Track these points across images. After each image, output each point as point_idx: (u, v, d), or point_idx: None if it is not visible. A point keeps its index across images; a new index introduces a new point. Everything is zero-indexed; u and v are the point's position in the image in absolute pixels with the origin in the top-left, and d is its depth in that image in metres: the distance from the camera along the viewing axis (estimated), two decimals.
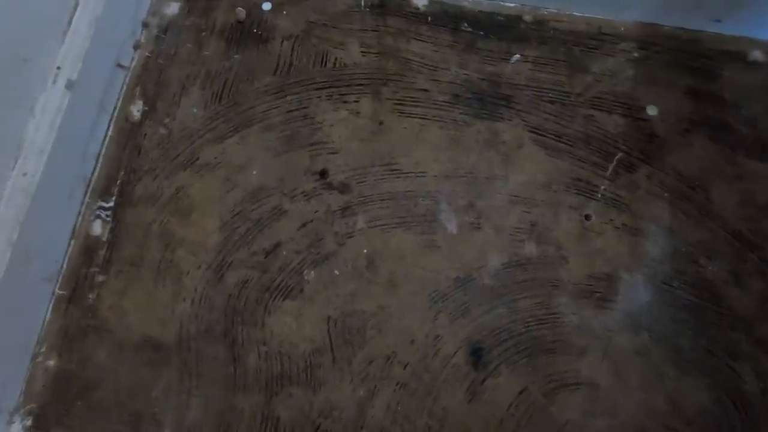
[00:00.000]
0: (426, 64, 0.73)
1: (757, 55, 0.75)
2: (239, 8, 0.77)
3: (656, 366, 0.61)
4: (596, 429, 0.59)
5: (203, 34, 0.75)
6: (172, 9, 0.76)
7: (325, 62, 0.73)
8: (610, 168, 0.70)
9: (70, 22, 0.65)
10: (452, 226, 0.67)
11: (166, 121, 0.72)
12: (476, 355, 0.62)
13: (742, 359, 0.61)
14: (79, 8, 0.66)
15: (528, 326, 0.62)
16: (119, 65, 0.72)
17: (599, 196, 0.68)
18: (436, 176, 0.68)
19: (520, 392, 0.60)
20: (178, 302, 0.63)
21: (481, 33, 0.75)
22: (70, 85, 0.64)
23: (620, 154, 0.70)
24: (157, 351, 0.62)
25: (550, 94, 0.71)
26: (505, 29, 0.74)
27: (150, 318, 0.63)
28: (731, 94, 0.73)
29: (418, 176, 0.68)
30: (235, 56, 0.74)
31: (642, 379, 0.60)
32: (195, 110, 0.72)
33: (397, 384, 0.60)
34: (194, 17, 0.77)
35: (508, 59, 0.74)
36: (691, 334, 0.62)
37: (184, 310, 0.63)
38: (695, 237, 0.66)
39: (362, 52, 0.74)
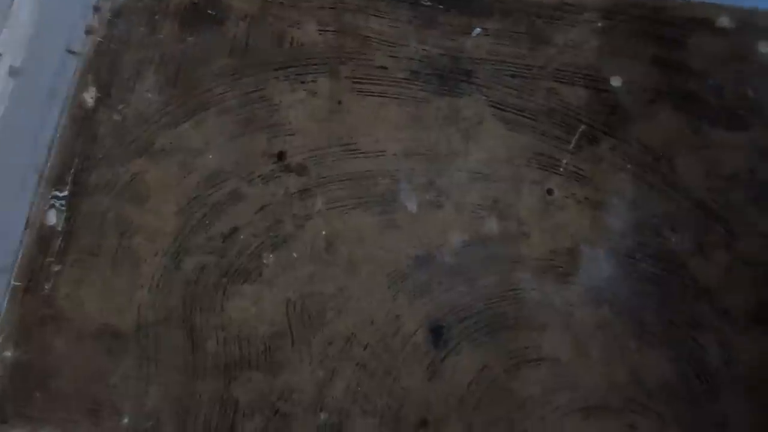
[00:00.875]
0: (385, 41, 0.70)
1: (724, 21, 0.72)
2: None
3: (618, 339, 0.60)
4: (557, 404, 0.58)
5: (157, 16, 0.73)
6: None
7: (282, 42, 0.70)
8: (573, 141, 0.68)
9: (10, 6, 0.63)
10: (412, 205, 0.65)
11: (121, 107, 0.70)
12: (436, 333, 0.61)
13: (706, 330, 0.60)
14: None
15: (489, 303, 0.61)
16: (70, 51, 0.70)
17: (561, 170, 0.66)
18: (395, 155, 0.66)
19: (481, 369, 0.58)
20: (136, 289, 0.62)
21: (442, 7, 0.72)
22: (14, 73, 0.61)
23: (583, 127, 0.67)
24: (116, 339, 0.61)
25: (512, 68, 0.69)
26: (467, 2, 0.71)
27: (108, 306, 0.62)
28: (698, 62, 0.70)
29: (377, 155, 0.66)
30: (190, 38, 0.71)
31: (604, 353, 0.59)
32: (150, 95, 0.70)
33: (356, 365, 0.59)
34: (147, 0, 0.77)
35: (469, 33, 0.72)
36: (653, 306, 0.60)
37: (142, 297, 0.62)
38: (659, 209, 0.64)
39: (319, 30, 0.72)
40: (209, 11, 0.74)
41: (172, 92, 0.70)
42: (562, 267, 0.62)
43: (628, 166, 0.66)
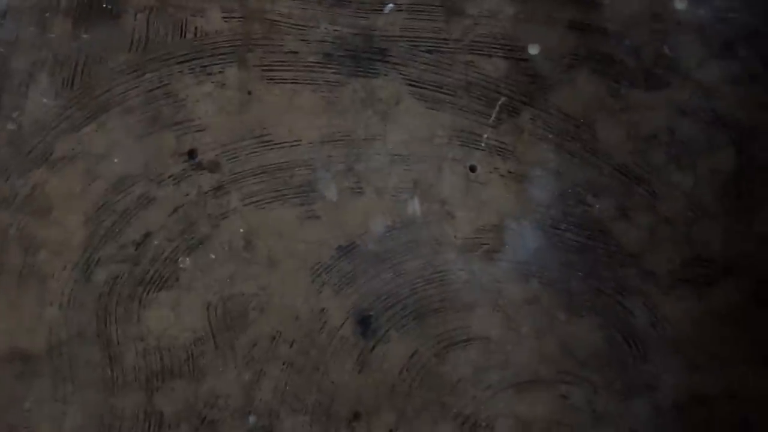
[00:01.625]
0: (294, 24, 0.67)
1: None
2: None
3: (547, 312, 0.59)
4: (489, 382, 0.57)
5: (47, 14, 0.67)
6: None
7: (185, 33, 0.65)
8: (493, 114, 0.65)
9: None
10: (332, 194, 0.62)
11: (15, 114, 0.64)
12: (364, 323, 0.58)
13: (632, 294, 0.60)
14: None
15: (415, 288, 0.59)
16: None
17: (483, 145, 0.64)
18: (311, 143, 0.63)
19: (411, 356, 0.57)
20: (45, 307, 0.58)
21: None
22: None
23: (503, 99, 0.65)
24: (27, 362, 0.57)
25: (428, 43, 0.66)
26: None
27: (16, 328, 0.57)
28: (614, 24, 0.68)
29: (292, 145, 0.63)
30: (85, 36, 0.66)
31: (533, 327, 0.58)
32: (45, 100, 0.64)
33: (283, 363, 0.57)
34: None
35: (381, 10, 0.68)
36: (580, 275, 0.60)
37: (52, 315, 0.58)
38: (582, 176, 0.63)
39: (224, 17, 0.67)
40: (104, 5, 0.68)
41: (70, 95, 0.65)
42: (488, 244, 0.61)
43: (550, 135, 0.64)
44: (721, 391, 0.58)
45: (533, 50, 0.67)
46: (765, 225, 0.62)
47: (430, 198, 0.62)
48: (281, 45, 0.66)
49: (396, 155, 0.63)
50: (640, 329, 0.59)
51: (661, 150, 0.63)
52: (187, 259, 0.60)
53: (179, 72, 0.65)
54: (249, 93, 0.66)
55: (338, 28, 0.67)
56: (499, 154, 0.63)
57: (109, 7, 0.68)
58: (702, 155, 0.63)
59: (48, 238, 0.60)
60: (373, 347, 0.58)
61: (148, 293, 0.59)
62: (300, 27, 0.67)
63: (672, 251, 0.61)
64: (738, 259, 0.61)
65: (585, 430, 0.56)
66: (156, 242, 0.60)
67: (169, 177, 0.62)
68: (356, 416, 0.57)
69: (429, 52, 0.66)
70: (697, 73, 0.66)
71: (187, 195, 0.62)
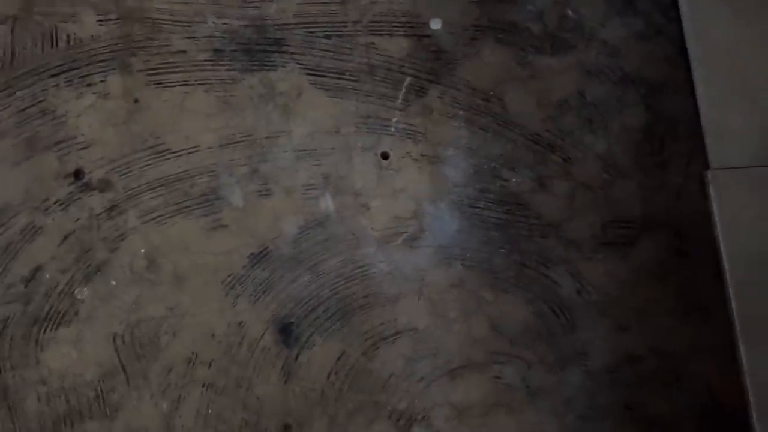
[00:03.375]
0: (178, 21, 0.60)
1: None
2: None
3: (473, 293, 0.57)
4: (422, 374, 0.54)
5: None
6: None
7: (56, 41, 0.59)
8: (400, 96, 0.61)
9: None
10: (237, 200, 0.57)
11: None
12: (285, 331, 0.55)
13: (556, 264, 0.58)
14: None
15: (336, 287, 0.55)
16: None
17: (393, 129, 0.60)
18: (210, 148, 0.58)
19: (338, 358, 0.54)
20: None
21: None
22: None
23: (408, 79, 0.61)
24: None
25: (325, 28, 0.61)
26: None
27: None
28: None
29: (189, 153, 0.57)
30: None
31: (461, 311, 0.56)
32: None
33: (203, 386, 0.52)
34: None
35: None
36: (503, 252, 0.58)
37: None
38: (496, 151, 0.60)
39: (99, 21, 0.60)
40: None
41: None
42: (407, 232, 0.57)
43: (460, 112, 0.61)
44: (649, 348, 0.57)
45: (435, 25, 0.63)
46: (677, 178, 0.61)
47: (343, 191, 0.58)
48: (166, 45, 0.60)
49: (302, 151, 0.59)
50: (566, 298, 0.57)
51: (572, 114, 0.61)
52: (85, 289, 0.55)
53: (55, 86, 0.59)
54: (136, 101, 0.60)
55: (227, 21, 0.61)
56: (409, 138, 0.60)
57: None
58: (613, 115, 0.62)
59: None
60: (298, 355, 0.54)
61: (44, 332, 0.53)
62: (185, 24, 0.61)
63: (592, 216, 0.59)
64: (656, 214, 0.60)
65: (522, 407, 0.55)
66: (48, 275, 0.55)
67: (55, 202, 0.56)
68: (287, 428, 0.53)
69: (327, 37, 0.62)
70: (602, 33, 0.64)
71: (78, 220, 0.56)
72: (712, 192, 0.59)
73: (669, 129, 0.63)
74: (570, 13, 0.66)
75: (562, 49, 0.64)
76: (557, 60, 0.64)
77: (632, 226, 0.60)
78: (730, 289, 0.57)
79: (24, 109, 0.59)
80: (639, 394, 0.57)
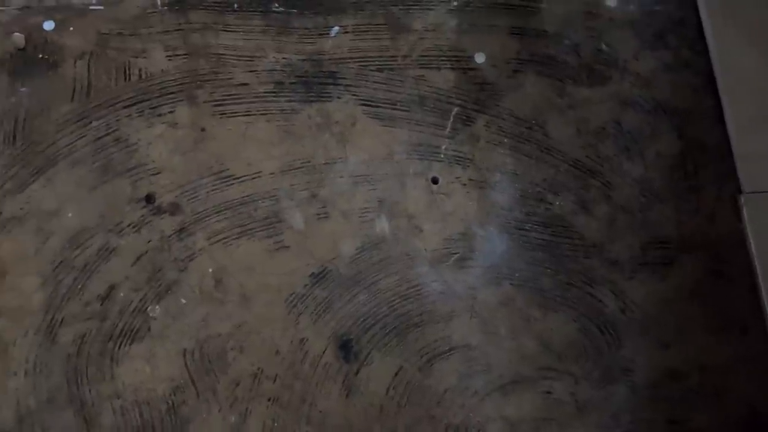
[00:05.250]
0: (241, 56, 0.64)
1: None
2: (16, 33, 0.64)
3: (522, 312, 0.59)
4: (475, 388, 0.56)
5: None
6: None
7: (129, 75, 0.63)
8: (448, 125, 0.65)
9: None
10: (298, 223, 0.60)
11: None
12: (345, 348, 0.57)
13: (600, 283, 0.60)
14: None
15: (392, 305, 0.58)
16: None
17: (442, 156, 0.63)
18: (272, 174, 0.61)
19: (396, 373, 0.56)
20: (10, 377, 0.54)
21: (294, 11, 0.66)
22: None
23: (456, 109, 0.65)
24: None
25: (377, 62, 0.65)
26: (318, 2, 0.66)
27: None
28: (552, 26, 0.69)
29: (252, 178, 0.61)
30: (22, 89, 0.62)
31: (510, 328, 0.58)
32: None
33: (268, 400, 0.55)
34: None
35: (327, 33, 0.67)
36: (549, 272, 0.60)
37: (18, 384, 0.54)
38: (539, 176, 0.63)
39: (168, 56, 0.64)
40: (40, 55, 0.64)
41: (13, 152, 0.60)
42: (458, 253, 0.60)
43: (505, 139, 0.65)
44: (690, 365, 0.59)
45: (479, 59, 0.68)
46: (710, 201, 0.64)
47: (397, 214, 0.61)
48: (230, 78, 0.64)
49: (358, 176, 0.62)
50: (611, 316, 0.60)
51: (610, 142, 0.65)
52: (157, 307, 0.57)
53: (127, 116, 0.62)
54: (202, 130, 0.63)
55: (286, 56, 0.66)
56: (458, 164, 0.63)
57: (46, 56, 0.65)
58: (648, 142, 0.65)
59: (4, 305, 0.56)
60: (358, 370, 0.56)
61: (119, 348, 0.56)
62: (247, 58, 0.65)
63: (631, 237, 0.62)
64: (691, 236, 0.62)
65: (571, 421, 0.57)
66: (122, 294, 0.57)
67: (129, 225, 0.59)
68: None
69: (379, 70, 0.66)
70: (634, 65, 0.68)
71: (150, 241, 0.59)
72: (746, 215, 0.62)
73: (700, 155, 0.66)
74: (604, 47, 0.70)
75: (598, 81, 0.68)
76: (594, 91, 0.67)
77: (670, 247, 0.62)
78: (765, 306, 0.60)
79: (99, 138, 0.62)
80: (682, 408, 0.59)
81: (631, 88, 0.67)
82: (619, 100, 0.67)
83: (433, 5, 0.69)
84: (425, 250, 0.60)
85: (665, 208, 0.64)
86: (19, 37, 0.65)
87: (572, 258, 0.61)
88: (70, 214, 0.59)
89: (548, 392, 0.58)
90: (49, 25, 0.65)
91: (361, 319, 0.58)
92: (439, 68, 0.67)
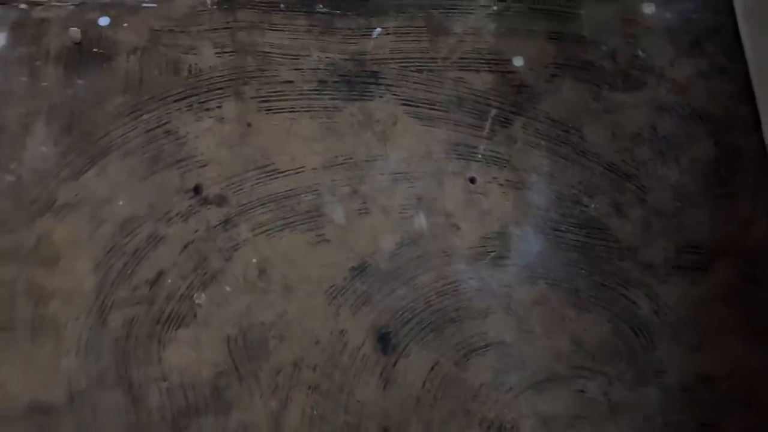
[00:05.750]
0: (286, 54, 0.66)
1: None
2: (73, 28, 0.66)
3: (556, 311, 0.60)
4: (510, 384, 0.57)
5: (37, 63, 0.65)
6: None
7: (179, 71, 0.65)
8: (486, 126, 0.67)
9: None
10: (339, 217, 0.62)
11: (13, 166, 0.62)
12: (383, 340, 0.58)
13: (634, 285, 0.61)
14: None
15: (429, 301, 0.59)
16: None
17: (480, 156, 0.65)
18: (314, 169, 0.63)
19: (432, 367, 0.57)
20: (62, 357, 0.56)
21: (338, 12, 0.69)
22: None
23: (494, 111, 0.66)
24: (47, 414, 0.55)
25: (417, 63, 0.67)
26: (361, 3, 0.68)
27: (33, 381, 0.55)
28: (590, 32, 0.70)
29: (296, 173, 0.63)
30: (78, 81, 0.65)
31: (545, 327, 0.59)
32: (44, 149, 0.62)
33: (308, 388, 0.56)
34: (23, 47, 0.66)
35: (370, 34, 0.69)
36: (584, 272, 0.61)
37: (69, 364, 0.56)
38: (575, 178, 0.64)
39: (216, 53, 0.66)
40: (95, 49, 0.67)
41: (69, 141, 0.63)
42: (494, 251, 0.61)
43: (542, 141, 0.66)
44: (722, 369, 0.59)
45: (518, 62, 0.69)
46: (745, 208, 0.64)
47: (435, 212, 0.62)
48: (276, 75, 0.67)
49: (398, 173, 0.63)
50: (644, 318, 0.60)
51: (645, 146, 0.65)
52: (203, 294, 0.59)
53: (177, 110, 0.65)
54: (248, 125, 0.65)
55: (330, 55, 0.67)
56: (495, 164, 0.64)
57: (100, 51, 0.68)
58: (683, 148, 0.66)
59: (58, 288, 0.58)
60: (395, 362, 0.57)
61: (166, 332, 0.58)
62: (292, 57, 0.67)
63: (665, 241, 0.62)
64: (726, 242, 0.63)
65: (604, 421, 0.57)
66: (169, 280, 0.59)
67: (177, 214, 0.61)
68: None
69: (419, 71, 0.67)
70: (671, 72, 0.68)
71: (197, 231, 0.61)
72: None
73: (736, 161, 0.67)
74: (640, 53, 0.70)
75: (633, 86, 0.69)
76: (630, 96, 0.68)
77: (703, 252, 0.63)
78: None
79: (150, 130, 0.65)
80: (714, 412, 0.59)
81: (666, 94, 0.68)
82: (654, 105, 0.68)
83: (472, 9, 0.70)
84: (462, 247, 0.61)
85: (700, 213, 0.64)
86: (75, 32, 0.67)
87: (607, 260, 0.62)
88: (121, 202, 0.61)
89: (581, 391, 0.58)
90: (104, 21, 0.68)
91: (400, 313, 0.59)
92: (477, 71, 0.68)
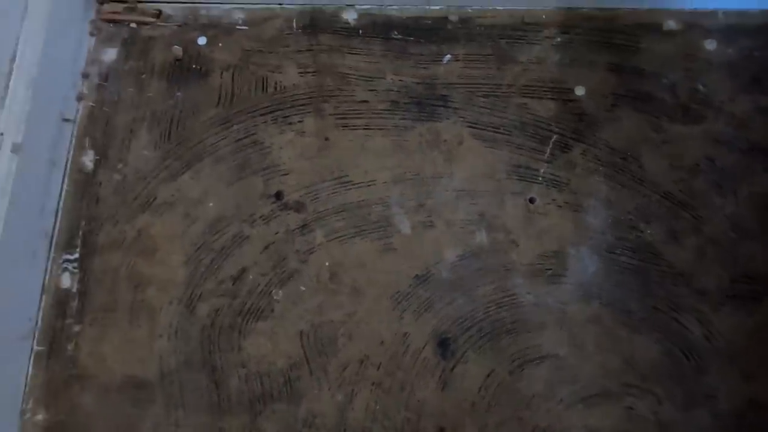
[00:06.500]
0: (362, 76, 0.73)
1: (671, 24, 0.75)
2: (175, 46, 0.75)
3: (609, 330, 0.62)
4: (561, 396, 0.60)
5: (143, 76, 0.73)
6: (110, 55, 0.74)
7: (266, 87, 0.72)
8: (547, 151, 0.70)
9: (6, 88, 0.63)
10: (406, 228, 0.67)
11: (119, 166, 0.70)
12: (443, 345, 0.63)
13: (686, 311, 0.63)
14: (13, 74, 0.64)
15: (488, 311, 0.63)
16: (65, 119, 0.70)
17: (540, 178, 0.68)
18: (385, 182, 0.68)
19: (488, 374, 0.61)
20: (155, 339, 0.63)
21: (411, 38, 0.74)
22: (16, 149, 0.62)
23: (555, 137, 0.70)
24: (141, 389, 0.61)
25: (483, 89, 0.72)
26: (434, 32, 0.73)
27: (130, 358, 0.62)
28: (650, 64, 0.73)
29: (368, 185, 0.68)
30: (178, 94, 0.72)
31: (597, 344, 0.62)
32: (146, 152, 0.71)
33: (372, 384, 0.61)
34: (132, 61, 0.74)
35: (440, 60, 0.74)
36: (637, 295, 0.63)
37: (161, 345, 0.63)
38: (632, 204, 0.67)
39: (300, 72, 0.73)
40: (193, 65, 0.75)
41: (168, 147, 0.71)
42: (551, 269, 0.65)
43: (600, 168, 0.69)
44: None
45: (579, 91, 0.72)
46: None
47: (496, 228, 0.66)
48: (352, 95, 0.72)
49: (462, 191, 0.68)
50: (696, 343, 0.62)
51: (702, 177, 0.68)
52: (280, 291, 0.65)
53: (263, 123, 0.72)
54: (326, 139, 0.71)
55: (403, 78, 0.73)
56: (555, 187, 0.68)
57: (198, 67, 0.75)
58: (740, 180, 0.68)
59: (155, 276, 0.66)
60: (453, 367, 0.61)
61: (247, 323, 0.64)
62: (368, 78, 0.73)
63: (719, 270, 0.64)
64: None
65: None
66: (251, 277, 0.66)
67: (260, 217, 0.68)
68: (441, 431, 0.61)
69: (485, 96, 0.72)
70: (730, 106, 0.70)
71: (277, 233, 0.67)
72: None
73: None
74: (700, 87, 0.73)
75: (692, 120, 0.71)
76: (688, 128, 0.70)
77: (758, 283, 0.64)
78: None
79: (239, 140, 0.71)
80: None
81: (725, 128, 0.70)
82: (713, 138, 0.70)
83: (537, 40, 0.74)
84: (521, 263, 0.65)
85: (756, 245, 0.66)
86: (177, 50, 0.76)
87: (660, 284, 0.64)
88: (211, 204, 0.68)
89: (631, 408, 0.61)
90: (202, 40, 0.76)
91: (460, 321, 0.63)
92: (540, 98, 0.72)
